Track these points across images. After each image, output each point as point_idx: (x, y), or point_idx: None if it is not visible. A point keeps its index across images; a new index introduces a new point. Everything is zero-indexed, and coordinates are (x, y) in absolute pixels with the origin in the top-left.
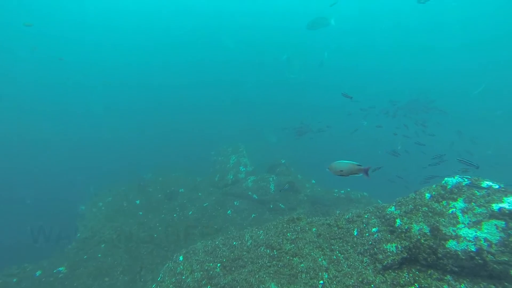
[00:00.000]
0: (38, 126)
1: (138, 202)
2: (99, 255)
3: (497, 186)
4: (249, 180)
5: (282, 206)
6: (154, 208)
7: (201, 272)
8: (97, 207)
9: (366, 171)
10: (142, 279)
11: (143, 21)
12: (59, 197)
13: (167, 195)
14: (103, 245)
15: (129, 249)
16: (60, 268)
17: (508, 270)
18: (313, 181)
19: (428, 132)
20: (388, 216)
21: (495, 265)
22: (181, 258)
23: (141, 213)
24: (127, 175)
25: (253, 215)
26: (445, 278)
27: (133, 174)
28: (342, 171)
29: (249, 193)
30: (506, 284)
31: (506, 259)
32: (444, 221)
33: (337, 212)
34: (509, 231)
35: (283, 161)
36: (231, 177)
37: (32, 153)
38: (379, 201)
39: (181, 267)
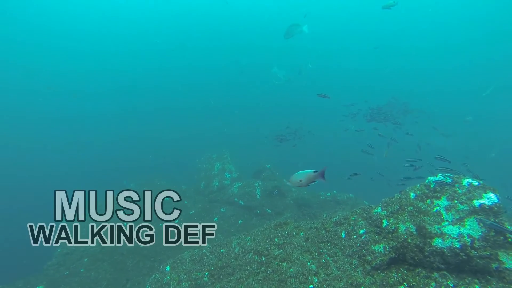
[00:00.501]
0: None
1: None
2: (82, 270)
3: (476, 183)
4: (234, 186)
5: (269, 211)
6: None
7: (189, 282)
8: None
9: (322, 175)
10: None
11: (123, 26)
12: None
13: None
14: (86, 259)
15: (114, 261)
16: (39, 287)
17: (490, 264)
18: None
19: (405, 131)
20: (374, 217)
21: (478, 260)
22: (167, 268)
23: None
24: (109, 185)
25: (240, 221)
26: (432, 275)
27: (116, 184)
28: (301, 181)
29: (235, 199)
30: (489, 277)
31: (488, 254)
32: (429, 220)
33: (324, 215)
34: (490, 227)
35: (268, 166)
36: (217, 184)
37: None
38: (365, 202)
39: (168, 277)
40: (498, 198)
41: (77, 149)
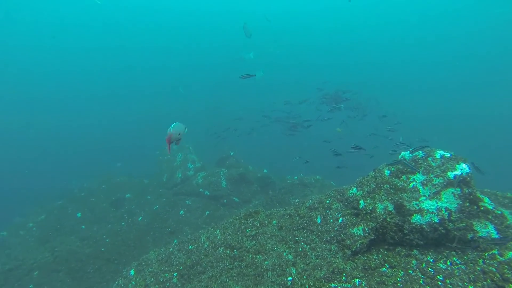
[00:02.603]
0: None
1: (79, 215)
2: (31, 286)
3: (448, 155)
4: (199, 177)
5: (236, 199)
6: (99, 219)
7: (156, 286)
8: (26, 229)
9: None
10: None
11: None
12: None
13: (112, 202)
14: (36, 273)
15: (71, 270)
16: None
17: (466, 235)
18: (265, 171)
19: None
20: (351, 199)
21: (455, 232)
22: (132, 272)
23: (83, 226)
24: (63, 187)
25: (207, 212)
26: (412, 253)
27: (71, 185)
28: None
29: (201, 190)
30: (465, 247)
31: (464, 225)
32: (406, 196)
33: (297, 200)
34: (464, 197)
35: (231, 153)
36: (180, 175)
37: None
38: (332, 182)
39: (133, 282)
40: (470, 168)
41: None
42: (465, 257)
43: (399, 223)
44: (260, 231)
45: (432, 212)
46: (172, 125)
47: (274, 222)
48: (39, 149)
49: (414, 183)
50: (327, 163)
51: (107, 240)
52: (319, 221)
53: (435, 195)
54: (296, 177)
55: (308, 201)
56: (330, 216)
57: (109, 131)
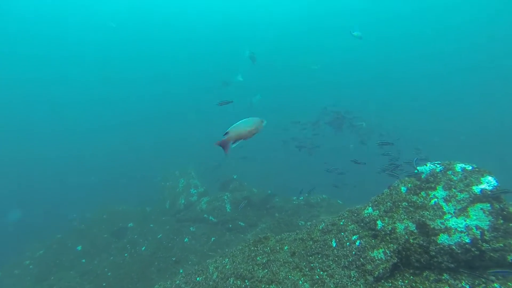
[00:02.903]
0: None
1: (79, 248)
2: None
3: (470, 167)
4: (202, 202)
5: (241, 224)
6: (100, 251)
7: None
8: (21, 267)
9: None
10: None
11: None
12: None
13: (114, 233)
14: None
15: None
16: None
17: (505, 257)
18: (269, 192)
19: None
20: (367, 220)
21: (491, 254)
22: None
23: (84, 260)
24: (61, 220)
25: (212, 238)
26: (443, 278)
27: (70, 217)
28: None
29: (205, 215)
30: (508, 270)
31: (502, 245)
32: (428, 214)
33: (308, 223)
34: (496, 213)
35: (235, 177)
36: (183, 201)
37: None
38: (338, 201)
39: None
40: (497, 181)
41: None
42: (509, 283)
43: (424, 244)
44: (272, 258)
45: (461, 231)
46: (237, 123)
47: (286, 247)
48: (36, 180)
49: (436, 199)
50: (329, 180)
51: (109, 274)
52: (334, 245)
53: (462, 212)
54: (302, 198)
55: (320, 224)
56: (346, 238)
57: (107, 159)
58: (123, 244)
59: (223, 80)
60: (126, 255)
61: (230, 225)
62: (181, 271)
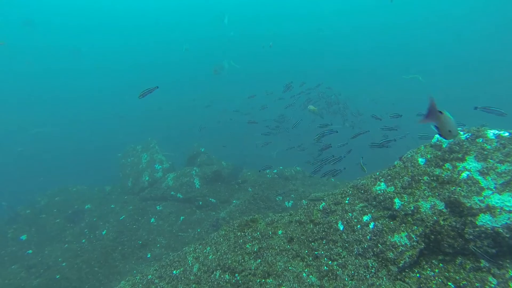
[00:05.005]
0: None
1: (24, 237)
2: None
3: (507, 134)
4: (168, 178)
5: (212, 200)
6: (52, 239)
7: None
8: None
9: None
10: None
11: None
12: None
13: (68, 217)
14: None
15: None
16: None
17: None
18: (240, 164)
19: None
20: (381, 197)
21: None
22: None
23: (30, 251)
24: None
25: (181, 217)
26: (482, 266)
27: (15, 201)
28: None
29: (172, 192)
30: None
31: None
32: (461, 190)
33: (304, 202)
34: None
35: (202, 150)
36: (147, 178)
37: None
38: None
39: None
40: None
41: None
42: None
43: (458, 225)
44: (264, 245)
45: (510, 211)
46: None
47: (280, 232)
48: None
49: (467, 172)
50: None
51: (64, 264)
52: (341, 228)
53: (505, 186)
54: (275, 170)
55: (319, 202)
56: (356, 220)
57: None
58: (80, 229)
59: (214, 68)
60: (83, 241)
61: (200, 202)
62: (148, 255)
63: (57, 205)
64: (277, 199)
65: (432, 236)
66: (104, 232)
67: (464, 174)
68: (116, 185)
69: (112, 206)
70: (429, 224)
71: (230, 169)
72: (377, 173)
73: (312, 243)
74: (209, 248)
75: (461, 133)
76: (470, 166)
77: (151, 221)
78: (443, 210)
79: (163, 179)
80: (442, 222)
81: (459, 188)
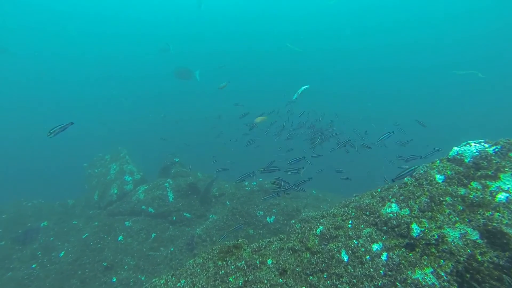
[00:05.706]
0: None
1: None
2: None
3: None
4: (139, 191)
5: (187, 215)
6: None
7: None
8: None
9: None
10: None
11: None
12: None
13: (17, 238)
14: None
15: None
16: None
17: None
18: (215, 177)
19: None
20: (394, 221)
21: None
22: None
23: None
24: None
25: (153, 234)
26: None
27: None
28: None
29: (143, 207)
30: None
31: None
32: (501, 217)
33: (292, 221)
34: None
35: (176, 160)
36: (116, 191)
37: None
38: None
39: None
40: None
41: None
42: None
43: (502, 263)
44: (251, 278)
45: None
46: None
47: (269, 261)
48: None
49: (507, 194)
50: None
51: None
52: (346, 259)
53: None
54: (254, 183)
55: (316, 226)
56: (363, 249)
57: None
58: (31, 252)
59: (160, 47)
60: (34, 266)
61: (174, 217)
62: (114, 279)
63: (4, 223)
64: (258, 214)
65: (468, 275)
66: (61, 254)
67: (501, 196)
68: (81, 199)
69: (74, 222)
70: (461, 259)
71: (207, 181)
72: (378, 190)
73: (310, 277)
74: (183, 281)
75: (487, 145)
76: (508, 186)
77: (119, 239)
78: (478, 241)
79: (133, 192)
80: (479, 258)
81: (498, 213)
